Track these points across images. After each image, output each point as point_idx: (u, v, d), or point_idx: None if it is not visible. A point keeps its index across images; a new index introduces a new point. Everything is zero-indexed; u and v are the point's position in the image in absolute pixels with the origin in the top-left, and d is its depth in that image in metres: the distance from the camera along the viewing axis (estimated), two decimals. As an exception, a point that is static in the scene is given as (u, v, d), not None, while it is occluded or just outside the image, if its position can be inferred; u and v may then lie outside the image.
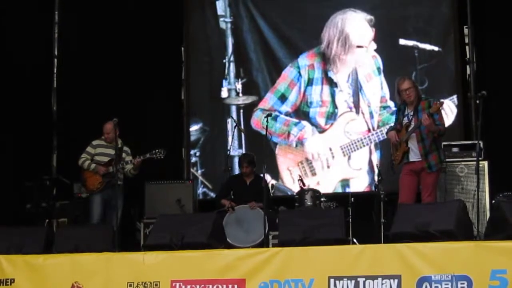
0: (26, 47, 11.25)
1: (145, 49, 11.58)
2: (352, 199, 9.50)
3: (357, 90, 11.24)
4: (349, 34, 11.31)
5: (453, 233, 6.73)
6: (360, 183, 11.10)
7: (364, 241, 8.30)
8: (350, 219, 9.23)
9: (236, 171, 11.00)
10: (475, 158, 8.54)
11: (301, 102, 11.41)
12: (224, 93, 11.83)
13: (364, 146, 11.15)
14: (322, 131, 11.33)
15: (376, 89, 11.19)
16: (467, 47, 10.85)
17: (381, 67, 11.16)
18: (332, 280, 6.78)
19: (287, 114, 11.46)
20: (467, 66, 10.82)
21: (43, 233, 8.21)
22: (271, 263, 7.03)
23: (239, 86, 11.78)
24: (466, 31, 10.86)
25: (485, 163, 9.22)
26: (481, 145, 8.83)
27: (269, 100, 11.56)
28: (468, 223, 7.18)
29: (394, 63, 11.10)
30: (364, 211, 9.55)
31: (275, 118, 11.37)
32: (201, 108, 11.95)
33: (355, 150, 11.18)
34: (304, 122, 11.37)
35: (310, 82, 11.44)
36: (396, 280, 6.60)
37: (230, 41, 11.91)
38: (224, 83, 11.83)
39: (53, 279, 7.55)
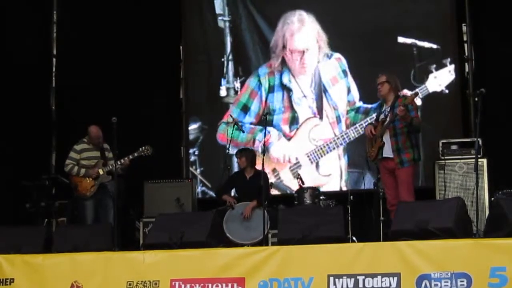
0: (24, 47, 11.25)
1: (144, 48, 11.57)
2: (351, 197, 9.51)
3: (320, 94, 11.18)
4: (295, 37, 11.35)
5: (452, 231, 6.72)
6: (330, 189, 10.91)
7: (363, 239, 8.31)
8: (349, 217, 9.24)
9: (235, 169, 10.97)
10: (474, 156, 8.56)
11: (264, 111, 11.22)
12: (222, 92, 11.82)
13: (331, 150, 11.07)
14: (288, 139, 11.27)
15: (343, 92, 11.14)
16: (465, 45, 10.85)
17: (347, 69, 11.13)
18: (331, 278, 6.78)
19: (251, 124, 11.40)
20: (466, 64, 10.83)
21: (43, 233, 8.22)
22: (271, 262, 7.03)
23: (237, 84, 11.76)
24: (464, 28, 10.87)
25: (484, 161, 9.24)
26: (480, 143, 8.83)
27: (232, 113, 11.40)
28: (467, 220, 7.17)
29: (393, 61, 11.07)
30: (363, 209, 9.56)
31: (241, 129, 11.28)
32: (199, 107, 11.94)
33: (322, 156, 11.11)
34: (270, 128, 11.22)
35: (271, 90, 11.42)
36: (395, 278, 6.61)
37: (228, 40, 11.89)
38: (223, 82, 11.82)
39: (53, 279, 7.55)
